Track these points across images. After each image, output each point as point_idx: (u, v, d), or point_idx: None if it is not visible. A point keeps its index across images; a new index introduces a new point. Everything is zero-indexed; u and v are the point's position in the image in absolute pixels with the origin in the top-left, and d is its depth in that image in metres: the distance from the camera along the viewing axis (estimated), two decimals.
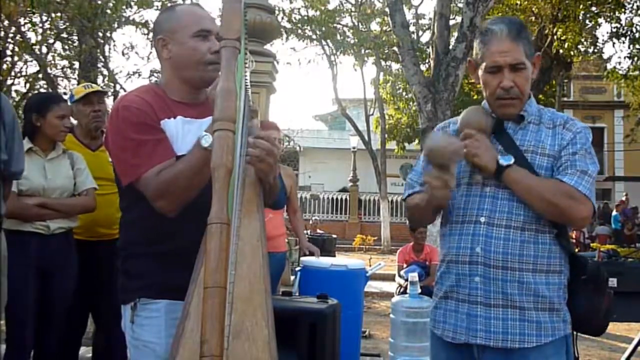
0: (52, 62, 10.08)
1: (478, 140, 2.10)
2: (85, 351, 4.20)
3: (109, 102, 9.94)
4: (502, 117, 2.19)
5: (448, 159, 2.04)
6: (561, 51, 15.33)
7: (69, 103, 3.79)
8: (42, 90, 10.20)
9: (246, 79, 2.03)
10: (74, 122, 3.92)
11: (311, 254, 5.57)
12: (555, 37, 14.98)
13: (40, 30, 9.53)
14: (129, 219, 2.13)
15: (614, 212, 20.94)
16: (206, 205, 1.57)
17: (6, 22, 8.44)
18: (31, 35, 9.52)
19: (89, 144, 3.90)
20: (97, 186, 3.62)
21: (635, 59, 15.48)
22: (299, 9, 14.92)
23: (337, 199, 25.17)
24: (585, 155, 2.09)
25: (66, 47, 10.55)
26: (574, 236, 15.24)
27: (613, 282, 4.05)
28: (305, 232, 6.78)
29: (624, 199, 21.98)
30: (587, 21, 15.65)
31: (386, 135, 20.95)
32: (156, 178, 1.94)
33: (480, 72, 2.18)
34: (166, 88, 2.16)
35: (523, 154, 2.12)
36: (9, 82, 10.15)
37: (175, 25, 2.13)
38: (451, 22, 11.79)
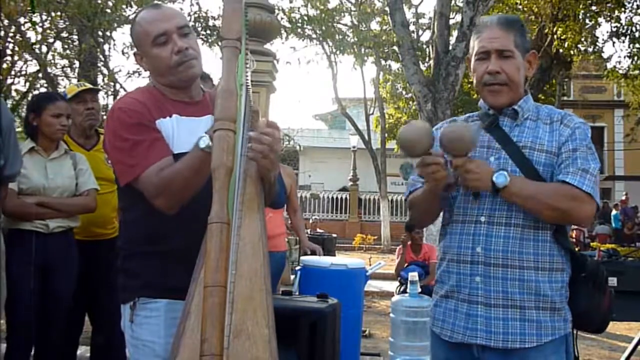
0: (52, 61, 10.06)
1: (468, 170, 2.04)
2: (85, 350, 4.21)
3: (110, 101, 9.95)
4: (493, 107, 2.19)
5: (422, 147, 1.99)
6: (561, 50, 15.32)
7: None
8: (42, 89, 10.19)
9: (247, 79, 2.03)
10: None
11: (313, 252, 5.56)
12: (555, 36, 14.97)
13: (40, 30, 9.51)
14: (129, 219, 2.14)
15: (614, 212, 20.93)
16: (206, 205, 1.57)
17: (6, 22, 8.42)
18: (31, 34, 9.50)
19: (84, 143, 3.90)
20: (99, 187, 3.62)
21: (635, 58, 15.47)
22: (298, 8, 14.94)
23: (337, 198, 25.15)
24: (586, 151, 2.08)
25: (66, 46, 10.53)
26: (573, 235, 15.23)
27: (613, 281, 4.05)
28: (305, 231, 6.78)
29: (624, 198, 21.98)
30: (587, 20, 15.63)
31: (386, 135, 20.93)
32: (156, 176, 1.95)
33: (472, 63, 2.21)
34: (160, 89, 2.16)
35: (520, 150, 2.11)
36: (9, 81, 10.13)
37: (138, 39, 2.14)
38: (451, 21, 11.79)
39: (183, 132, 2.06)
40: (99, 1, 8.71)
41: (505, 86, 2.14)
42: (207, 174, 1.80)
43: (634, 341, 4.64)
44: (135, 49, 2.20)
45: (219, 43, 1.82)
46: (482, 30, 2.18)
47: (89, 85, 4.12)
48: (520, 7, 15.61)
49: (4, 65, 9.47)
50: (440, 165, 2.01)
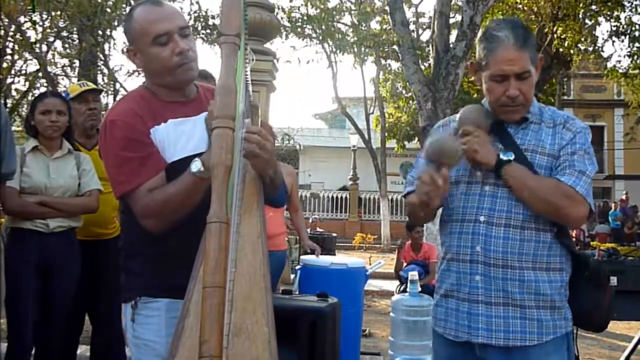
0: (52, 60, 10.04)
1: (478, 136, 2.10)
2: (85, 350, 4.21)
3: (110, 100, 9.94)
4: (506, 121, 2.19)
5: (446, 157, 2.02)
6: (561, 50, 15.33)
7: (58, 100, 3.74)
8: (42, 88, 10.18)
9: (247, 75, 2.02)
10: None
11: (312, 252, 5.56)
12: (555, 35, 14.98)
13: (40, 29, 9.51)
14: (128, 220, 2.12)
15: (611, 210, 20.93)
16: (206, 204, 1.57)
17: (6, 21, 8.42)
18: (31, 33, 9.49)
19: (84, 142, 3.89)
20: (102, 188, 3.61)
21: (635, 57, 15.48)
22: (298, 7, 14.91)
23: (337, 197, 25.16)
24: (584, 155, 2.09)
25: (66, 45, 10.53)
26: (574, 234, 15.24)
27: (613, 280, 4.04)
28: (306, 230, 6.77)
29: (624, 197, 21.99)
30: (586, 20, 15.66)
31: (386, 134, 20.94)
32: (146, 197, 1.95)
33: (484, 77, 2.15)
34: (153, 90, 2.12)
35: (522, 153, 2.12)
36: (9, 80, 10.13)
37: (134, 35, 2.07)
38: (451, 21, 11.79)
39: (179, 137, 2.04)
40: (99, 0, 8.70)
41: (521, 105, 2.13)
42: (199, 198, 1.83)
43: (634, 340, 4.64)
44: (129, 45, 2.13)
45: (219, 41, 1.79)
46: (497, 48, 2.08)
47: (91, 86, 4.11)
48: (520, 6, 15.62)
49: (4, 65, 9.47)
50: (436, 186, 2.00)
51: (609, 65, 17.16)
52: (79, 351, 3.97)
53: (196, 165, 1.83)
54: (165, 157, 2.02)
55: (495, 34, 2.10)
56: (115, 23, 8.98)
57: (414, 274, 5.16)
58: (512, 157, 2.06)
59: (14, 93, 10.71)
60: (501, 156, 2.07)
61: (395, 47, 12.63)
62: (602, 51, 17.74)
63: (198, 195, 1.85)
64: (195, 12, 10.07)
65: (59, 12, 8.95)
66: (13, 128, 3.07)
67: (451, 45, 9.60)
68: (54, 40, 10.15)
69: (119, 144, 1.99)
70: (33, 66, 10.26)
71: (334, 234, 14.25)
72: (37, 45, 9.49)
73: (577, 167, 2.06)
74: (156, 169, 1.99)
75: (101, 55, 9.89)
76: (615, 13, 15.04)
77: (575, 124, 2.15)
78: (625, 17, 15.31)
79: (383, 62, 19.42)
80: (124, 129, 2.00)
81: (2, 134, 2.77)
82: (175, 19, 2.06)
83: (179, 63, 2.03)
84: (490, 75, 2.12)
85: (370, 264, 6.21)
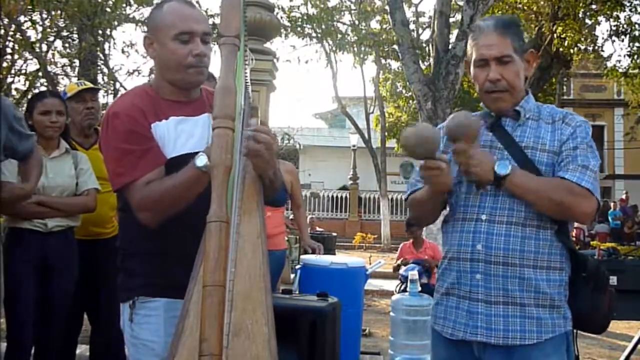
0: (52, 60, 10.02)
1: (471, 155, 2.05)
2: (84, 349, 4.21)
3: (109, 99, 9.93)
4: (496, 112, 2.19)
5: (427, 150, 2.00)
6: (561, 49, 15.32)
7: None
8: (42, 88, 10.17)
9: (246, 76, 2.03)
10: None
11: (313, 251, 5.54)
12: (554, 35, 14.97)
13: (40, 28, 9.50)
14: (126, 218, 2.12)
15: (611, 210, 20.94)
16: (204, 202, 1.57)
17: (6, 20, 8.41)
18: (31, 33, 9.48)
19: (82, 142, 3.88)
20: (100, 187, 3.61)
21: (635, 57, 15.47)
22: (298, 6, 14.92)
23: (337, 197, 25.16)
24: (586, 149, 2.09)
25: (66, 45, 10.51)
26: (574, 234, 15.24)
27: (613, 280, 4.04)
28: (308, 228, 6.74)
29: (624, 197, 22.00)
30: (586, 19, 15.65)
31: (386, 134, 20.94)
32: (143, 190, 1.95)
33: (471, 67, 2.20)
34: (158, 87, 2.14)
35: (522, 150, 2.12)
36: (9, 80, 10.11)
37: (158, 25, 2.09)
38: (451, 20, 11.80)
39: (179, 135, 2.05)
40: (99, 0, 8.70)
41: (506, 92, 2.14)
42: (197, 192, 1.83)
43: (634, 340, 4.64)
44: (147, 33, 2.14)
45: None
46: (479, 36, 2.16)
47: (89, 85, 4.10)
48: (520, 5, 15.62)
49: (4, 64, 9.46)
50: (442, 170, 2.02)
51: (609, 64, 17.16)
52: (78, 351, 3.97)
53: (202, 160, 1.81)
54: (163, 153, 2.03)
55: (478, 24, 2.20)
56: (115, 23, 8.97)
57: (414, 274, 5.17)
58: (509, 170, 2.02)
59: (14, 93, 10.70)
60: (497, 172, 2.03)
61: (395, 46, 12.64)
62: (602, 51, 17.75)
63: (197, 189, 1.86)
64: None
65: (59, 12, 8.95)
66: None
67: (451, 45, 9.62)
68: (54, 40, 10.13)
69: (120, 136, 2.01)
70: (33, 66, 10.25)
71: (334, 234, 14.25)
72: (37, 44, 9.48)
73: (580, 162, 2.06)
74: (155, 163, 2.00)
75: (101, 55, 9.88)
76: (615, 13, 15.03)
77: (575, 119, 2.16)
78: (625, 17, 15.31)
79: (383, 61, 19.43)
80: (126, 122, 2.01)
81: (9, 122, 2.78)
82: (203, 22, 2.10)
83: (193, 64, 2.05)
84: (473, 62, 2.17)
85: (370, 264, 6.22)
